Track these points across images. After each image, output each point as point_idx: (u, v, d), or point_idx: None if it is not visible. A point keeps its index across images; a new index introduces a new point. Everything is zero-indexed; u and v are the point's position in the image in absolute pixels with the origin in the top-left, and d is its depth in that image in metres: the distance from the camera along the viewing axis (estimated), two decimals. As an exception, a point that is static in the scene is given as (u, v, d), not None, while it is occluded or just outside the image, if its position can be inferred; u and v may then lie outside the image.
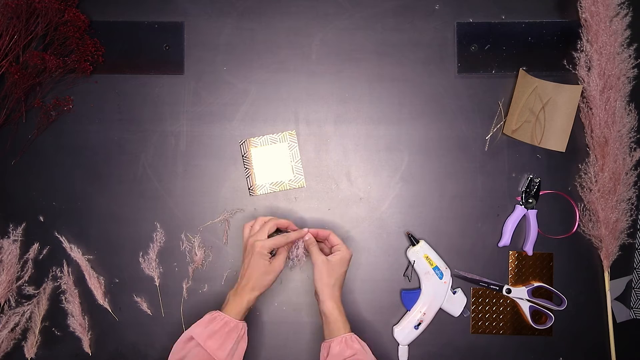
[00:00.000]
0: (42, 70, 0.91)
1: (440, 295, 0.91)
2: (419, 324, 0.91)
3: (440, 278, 0.91)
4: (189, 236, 0.94)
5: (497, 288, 0.93)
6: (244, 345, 0.81)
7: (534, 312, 0.93)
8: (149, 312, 0.93)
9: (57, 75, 0.93)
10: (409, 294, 0.92)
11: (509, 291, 0.93)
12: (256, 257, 0.82)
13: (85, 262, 0.93)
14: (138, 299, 0.93)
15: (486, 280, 0.93)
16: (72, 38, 0.91)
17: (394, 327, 0.92)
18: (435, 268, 0.91)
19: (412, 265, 0.92)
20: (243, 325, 0.81)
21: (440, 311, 0.92)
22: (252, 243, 0.83)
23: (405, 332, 0.91)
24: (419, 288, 0.92)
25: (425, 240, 0.93)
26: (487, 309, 0.94)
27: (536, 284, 0.93)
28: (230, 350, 0.78)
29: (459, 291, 0.92)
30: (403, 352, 0.92)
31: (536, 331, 0.94)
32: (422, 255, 0.92)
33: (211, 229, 0.94)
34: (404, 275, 0.93)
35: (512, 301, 0.94)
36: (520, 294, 0.93)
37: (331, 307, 0.82)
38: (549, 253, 0.94)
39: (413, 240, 0.93)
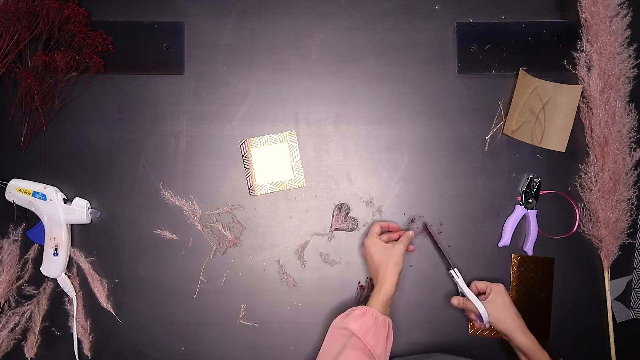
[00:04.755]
0: (54, 71, 0.91)
1: (55, 213, 0.90)
2: (56, 249, 0.90)
3: (45, 199, 0.90)
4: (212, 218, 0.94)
5: (448, 264, 0.93)
6: (390, 341, 0.81)
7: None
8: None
9: (70, 78, 0.94)
10: (32, 231, 0.92)
11: (451, 276, 0.91)
12: (372, 246, 0.87)
13: (88, 266, 0.93)
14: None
15: (445, 252, 0.94)
16: (77, 34, 0.91)
17: (40, 268, 0.91)
18: (35, 193, 0.90)
19: (15, 205, 0.91)
20: (389, 321, 0.82)
21: (436, 308, 0.92)
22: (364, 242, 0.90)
23: (49, 264, 0.91)
24: (40, 221, 0.92)
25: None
26: None
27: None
28: (383, 346, 0.79)
29: (76, 199, 0.92)
30: (64, 282, 0.92)
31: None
32: (16, 190, 0.91)
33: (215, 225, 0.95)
34: (16, 219, 0.93)
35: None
36: (461, 284, 0.90)
37: (525, 340, 0.83)
38: (551, 258, 0.94)
39: (1, 184, 0.92)
